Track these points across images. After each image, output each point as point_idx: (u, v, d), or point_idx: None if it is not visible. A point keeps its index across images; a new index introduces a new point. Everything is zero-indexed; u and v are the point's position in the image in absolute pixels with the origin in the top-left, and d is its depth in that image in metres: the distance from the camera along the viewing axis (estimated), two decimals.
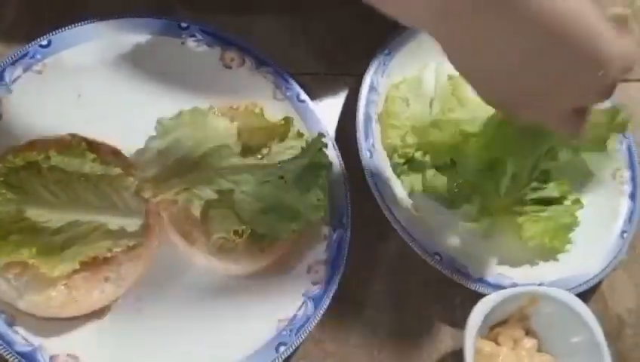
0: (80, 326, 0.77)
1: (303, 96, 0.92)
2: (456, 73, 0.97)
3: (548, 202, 0.98)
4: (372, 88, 0.94)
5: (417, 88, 0.97)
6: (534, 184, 0.95)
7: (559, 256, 0.96)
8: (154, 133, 0.82)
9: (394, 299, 0.90)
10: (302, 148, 0.86)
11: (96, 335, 0.77)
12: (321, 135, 0.84)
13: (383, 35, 0.99)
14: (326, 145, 0.84)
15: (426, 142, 0.93)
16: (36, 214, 0.73)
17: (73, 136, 0.79)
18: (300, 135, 0.87)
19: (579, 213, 0.97)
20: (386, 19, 1.00)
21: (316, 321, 0.82)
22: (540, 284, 0.91)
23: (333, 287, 0.84)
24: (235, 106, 0.87)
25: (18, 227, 0.72)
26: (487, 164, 0.95)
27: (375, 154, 0.91)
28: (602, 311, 0.97)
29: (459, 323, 0.90)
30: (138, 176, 0.80)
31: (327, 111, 0.96)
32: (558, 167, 0.96)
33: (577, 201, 0.99)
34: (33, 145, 0.76)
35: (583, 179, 1.02)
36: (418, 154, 0.94)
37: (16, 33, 0.89)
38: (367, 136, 0.91)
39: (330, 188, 0.88)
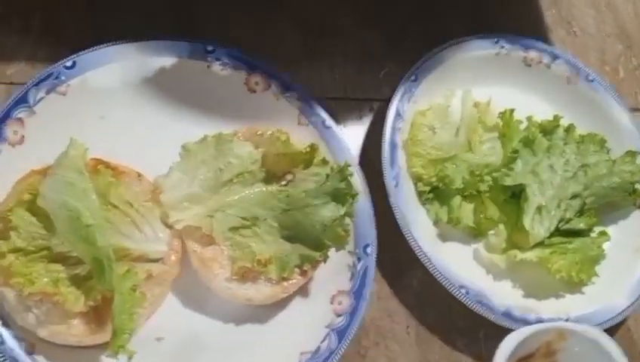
0: (99, 355, 0.75)
1: (329, 122, 0.90)
2: (483, 100, 0.98)
3: (574, 233, 0.96)
4: (398, 115, 0.93)
5: (444, 116, 0.95)
6: (566, 215, 0.93)
7: (585, 289, 0.94)
8: (178, 158, 0.81)
9: (417, 331, 0.89)
10: (327, 175, 0.84)
11: None
12: (347, 164, 0.83)
13: (409, 60, 0.97)
14: (352, 175, 0.82)
15: (444, 175, 0.92)
16: (60, 243, 0.71)
17: (97, 161, 0.77)
18: (325, 162, 0.85)
19: (605, 246, 0.95)
20: (413, 43, 1.01)
21: (340, 355, 0.80)
22: (566, 319, 0.89)
23: (358, 319, 0.82)
24: (259, 132, 0.85)
25: (41, 256, 0.70)
26: (511, 194, 0.94)
27: (400, 182, 0.89)
28: (628, 345, 0.95)
29: (483, 356, 0.89)
30: (162, 201, 0.78)
31: (350, 135, 0.94)
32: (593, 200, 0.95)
33: (604, 233, 0.97)
34: None
35: (608, 211, 1.00)
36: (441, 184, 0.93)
37: (39, 53, 0.89)
38: (392, 165, 0.89)
39: (355, 216, 0.86)
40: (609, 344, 0.83)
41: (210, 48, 0.89)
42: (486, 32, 1.02)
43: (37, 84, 0.81)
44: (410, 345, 0.88)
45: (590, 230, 0.97)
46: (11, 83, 0.87)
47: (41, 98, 0.81)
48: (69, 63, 0.83)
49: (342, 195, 0.82)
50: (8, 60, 0.88)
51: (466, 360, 0.89)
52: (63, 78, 0.82)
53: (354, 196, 0.82)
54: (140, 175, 0.80)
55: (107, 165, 0.77)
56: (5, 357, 0.71)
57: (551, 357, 0.86)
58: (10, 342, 0.72)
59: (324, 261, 0.81)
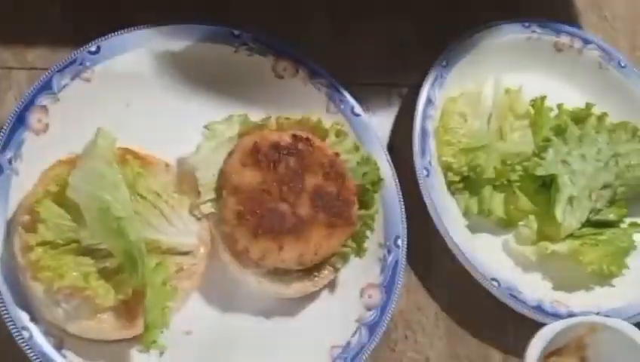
0: (127, 349, 0.74)
1: (358, 109, 0.88)
2: (514, 86, 0.95)
3: (604, 225, 0.95)
4: (429, 102, 0.90)
5: (476, 103, 0.93)
6: (597, 205, 0.91)
7: (615, 281, 0.93)
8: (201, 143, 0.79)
9: (446, 324, 0.88)
10: (357, 162, 0.83)
11: (144, 358, 0.74)
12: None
13: (436, 45, 0.95)
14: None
15: (475, 165, 0.90)
16: (89, 236, 0.69)
17: (125, 150, 0.75)
18: (356, 148, 0.84)
19: (636, 237, 0.94)
20: (441, 28, 0.98)
21: (371, 350, 0.79)
22: (597, 313, 0.88)
23: (389, 314, 0.81)
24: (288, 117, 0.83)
25: (70, 249, 0.69)
26: (541, 184, 0.93)
27: (432, 171, 0.87)
28: None
29: (512, 349, 0.88)
30: (198, 178, 0.77)
31: (378, 121, 0.93)
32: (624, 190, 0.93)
33: (635, 224, 0.96)
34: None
35: (638, 201, 0.99)
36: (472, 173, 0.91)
37: (60, 37, 0.86)
38: (423, 153, 0.88)
39: (384, 207, 0.85)
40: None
41: (236, 32, 0.86)
42: (515, 17, 1.00)
43: (61, 70, 0.78)
44: (440, 338, 0.87)
45: (620, 221, 0.96)
46: (32, 68, 0.84)
47: (66, 84, 0.78)
48: (93, 48, 0.80)
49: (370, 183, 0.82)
50: (29, 45, 0.85)
51: (495, 353, 0.88)
52: (87, 63, 0.80)
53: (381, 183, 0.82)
54: (167, 165, 0.78)
55: (135, 155, 0.75)
56: (34, 353, 0.69)
57: (582, 351, 0.86)
58: (39, 337, 0.70)
59: (360, 256, 0.80)
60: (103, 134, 0.71)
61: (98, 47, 0.80)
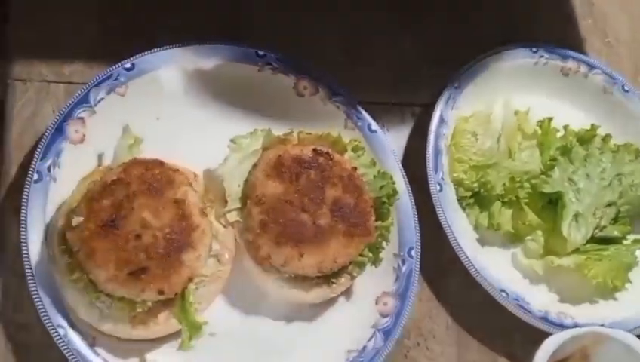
0: (155, 349, 0.78)
1: (374, 126, 0.93)
2: (523, 108, 1.00)
3: (608, 241, 0.98)
4: (442, 121, 0.95)
5: (486, 123, 0.98)
6: (601, 222, 0.95)
7: (618, 295, 0.96)
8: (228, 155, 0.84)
9: (457, 332, 0.91)
10: (374, 176, 0.87)
11: (172, 358, 0.78)
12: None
13: (448, 66, 1.00)
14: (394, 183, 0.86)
15: (485, 181, 0.94)
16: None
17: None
18: (373, 163, 0.88)
19: (638, 253, 0.98)
20: (450, 50, 1.03)
21: (386, 355, 0.82)
22: (601, 325, 0.91)
23: (403, 320, 0.84)
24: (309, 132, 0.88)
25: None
26: (548, 201, 0.97)
27: (444, 187, 0.92)
28: None
29: (519, 358, 0.91)
30: (226, 188, 0.81)
31: (393, 138, 0.97)
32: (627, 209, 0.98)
33: (637, 241, 0.99)
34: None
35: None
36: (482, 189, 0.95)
37: (96, 54, 0.91)
38: (436, 170, 0.92)
39: (399, 220, 0.89)
40: None
41: (261, 53, 0.91)
42: (520, 42, 1.05)
43: (98, 85, 0.83)
44: (450, 345, 0.91)
45: (624, 237, 0.99)
46: (69, 82, 0.89)
47: (102, 98, 0.83)
48: (128, 65, 0.85)
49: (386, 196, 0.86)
50: (66, 60, 0.90)
51: (503, 361, 0.91)
52: (122, 79, 0.85)
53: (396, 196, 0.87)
54: (195, 175, 0.82)
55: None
56: (69, 349, 0.73)
57: (586, 361, 0.89)
58: (74, 335, 0.74)
59: (376, 265, 0.84)
60: (128, 134, 0.76)
61: (133, 64, 0.85)
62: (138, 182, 0.74)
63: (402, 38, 1.06)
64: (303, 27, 1.02)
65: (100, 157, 0.83)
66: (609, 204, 0.98)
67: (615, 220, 0.99)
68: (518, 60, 1.03)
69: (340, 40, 1.03)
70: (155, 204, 0.74)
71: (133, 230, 0.72)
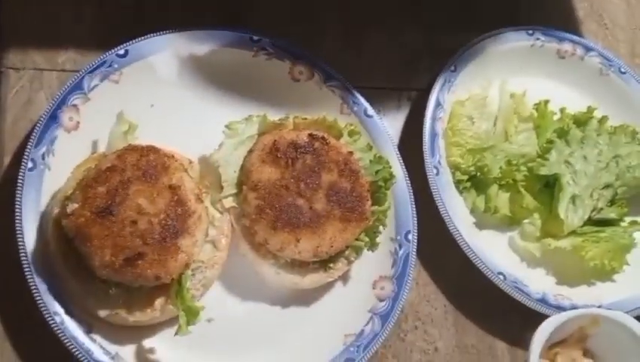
0: (153, 335, 0.78)
1: (371, 111, 0.93)
2: (519, 91, 1.00)
3: (605, 223, 0.98)
4: (438, 105, 0.95)
5: (482, 106, 0.97)
6: (598, 204, 0.95)
7: (615, 277, 0.96)
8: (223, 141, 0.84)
9: (455, 316, 0.91)
10: (370, 161, 0.87)
11: (169, 344, 0.78)
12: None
13: (443, 51, 0.99)
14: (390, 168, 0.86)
15: (482, 165, 0.94)
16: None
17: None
18: (369, 147, 0.88)
19: (636, 235, 0.98)
20: (447, 34, 1.02)
21: (383, 339, 0.82)
22: (599, 306, 0.91)
23: (400, 304, 0.84)
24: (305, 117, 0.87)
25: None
26: (545, 183, 0.97)
27: (441, 170, 0.92)
28: None
29: (517, 340, 0.91)
30: (222, 174, 0.81)
31: (390, 123, 0.97)
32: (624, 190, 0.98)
33: (635, 223, 0.99)
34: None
35: (638, 201, 1.02)
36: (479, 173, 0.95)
37: (89, 41, 0.90)
38: (433, 153, 0.92)
39: (396, 204, 0.89)
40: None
41: (255, 38, 0.91)
42: (519, 25, 1.04)
43: (91, 72, 0.83)
44: (448, 328, 0.91)
45: (621, 219, 0.99)
46: (63, 70, 0.89)
47: (96, 85, 0.83)
48: (121, 52, 0.85)
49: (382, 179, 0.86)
50: (60, 48, 0.90)
51: (501, 344, 0.92)
52: (115, 65, 0.84)
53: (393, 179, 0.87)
54: (190, 161, 0.82)
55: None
56: (66, 336, 0.73)
57: (584, 342, 0.89)
58: (70, 322, 0.74)
59: (373, 250, 0.84)
60: (122, 120, 0.76)
61: (126, 51, 0.85)
62: (133, 168, 0.74)
63: (402, 23, 1.05)
64: (302, 12, 1.01)
65: (94, 144, 0.82)
66: (606, 186, 0.98)
67: (612, 202, 0.99)
68: (514, 43, 1.03)
69: (339, 25, 1.03)
70: (150, 190, 0.73)
71: (129, 216, 0.72)
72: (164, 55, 0.87)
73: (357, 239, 0.83)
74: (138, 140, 0.81)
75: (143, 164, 0.75)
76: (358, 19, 1.03)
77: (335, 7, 1.03)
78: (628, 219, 1.00)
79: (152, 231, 0.72)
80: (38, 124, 0.80)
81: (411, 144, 0.95)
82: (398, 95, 1.01)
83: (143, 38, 0.86)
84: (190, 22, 0.90)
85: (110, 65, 0.84)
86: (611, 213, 0.99)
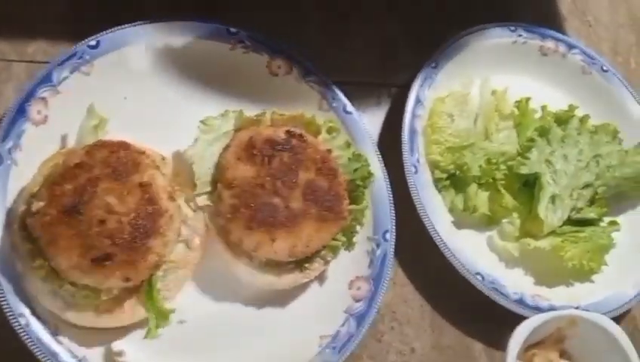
0: (122, 338, 0.76)
1: (350, 107, 0.91)
2: (500, 88, 0.98)
3: (585, 223, 0.98)
4: (418, 102, 0.93)
5: (463, 103, 0.96)
6: (577, 204, 0.95)
7: (594, 277, 0.96)
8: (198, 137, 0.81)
9: (432, 316, 0.90)
10: (349, 158, 0.85)
11: (139, 346, 0.76)
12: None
13: (426, 46, 0.98)
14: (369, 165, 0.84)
15: (461, 163, 0.93)
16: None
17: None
18: (347, 145, 0.86)
19: (615, 235, 0.97)
20: (430, 30, 1.01)
21: (359, 340, 0.81)
22: (576, 307, 0.91)
23: (376, 305, 0.83)
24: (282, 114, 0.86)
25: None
26: (524, 183, 0.96)
27: (420, 168, 0.90)
28: (632, 332, 0.97)
29: (494, 341, 0.91)
30: (195, 171, 0.79)
31: (369, 120, 0.95)
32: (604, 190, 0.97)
33: (614, 223, 0.99)
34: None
35: (618, 201, 1.02)
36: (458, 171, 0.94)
37: (61, 32, 0.87)
38: (412, 151, 0.90)
39: (374, 202, 0.87)
40: (617, 331, 0.86)
41: (233, 30, 0.89)
42: (502, 21, 1.03)
43: (61, 63, 0.80)
44: (425, 329, 0.90)
45: (600, 219, 0.99)
46: (31, 61, 0.86)
47: (65, 77, 0.80)
48: (93, 43, 0.82)
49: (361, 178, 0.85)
50: (29, 38, 0.87)
51: (479, 345, 0.91)
52: (87, 57, 0.82)
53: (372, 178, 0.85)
54: (163, 158, 0.80)
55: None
56: (31, 339, 0.71)
57: (561, 343, 0.89)
58: (35, 324, 0.72)
59: (350, 250, 0.82)
60: (93, 114, 0.74)
61: (98, 42, 0.82)
62: (102, 165, 0.71)
63: (384, 18, 1.03)
64: (282, 6, 0.99)
65: (63, 138, 0.80)
66: (586, 186, 0.97)
67: (592, 202, 0.98)
68: (496, 39, 1.02)
69: (320, 19, 1.01)
70: (120, 188, 0.71)
71: (97, 215, 0.69)
72: (137, 47, 0.85)
73: (334, 239, 0.82)
74: (109, 135, 0.78)
75: (112, 161, 0.72)
76: (339, 13, 1.01)
77: (314, 2, 1.01)
78: (607, 219, 0.99)
79: (121, 230, 0.69)
80: (5, 118, 0.77)
81: (391, 142, 0.94)
82: (378, 91, 0.99)
83: (116, 28, 0.84)
84: (166, 12, 0.87)
85: (81, 57, 0.81)
86: (591, 213, 0.98)
